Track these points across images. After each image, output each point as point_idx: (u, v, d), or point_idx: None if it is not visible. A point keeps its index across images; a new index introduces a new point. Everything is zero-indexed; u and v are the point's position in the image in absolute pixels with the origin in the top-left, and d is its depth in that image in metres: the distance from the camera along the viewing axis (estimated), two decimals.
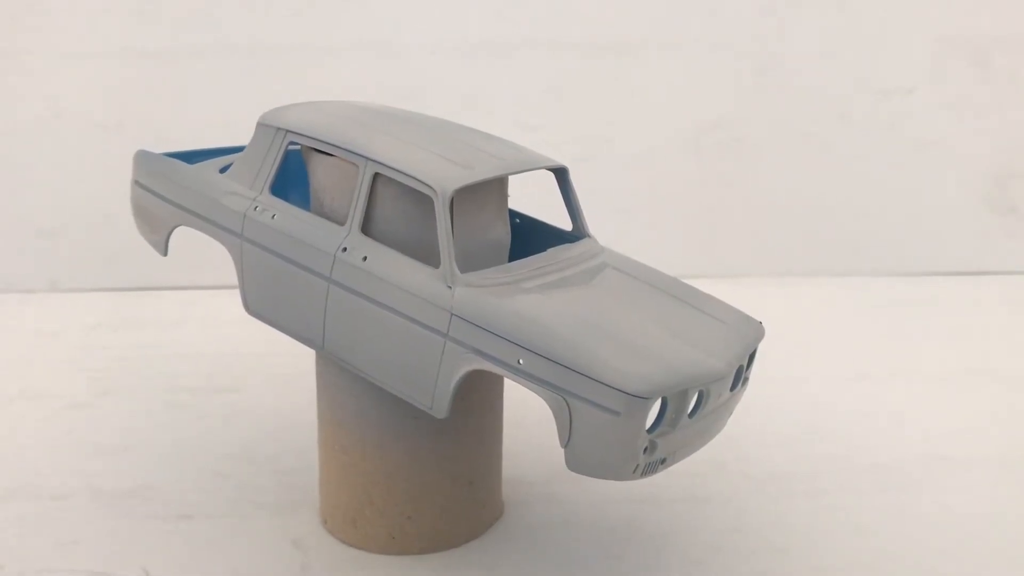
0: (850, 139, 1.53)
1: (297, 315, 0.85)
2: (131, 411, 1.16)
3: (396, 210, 0.82)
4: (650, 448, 0.73)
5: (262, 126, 0.88)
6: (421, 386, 0.79)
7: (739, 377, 0.80)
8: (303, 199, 0.93)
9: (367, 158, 0.81)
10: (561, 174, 0.87)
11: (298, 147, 0.90)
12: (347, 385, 0.88)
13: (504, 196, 0.87)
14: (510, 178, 0.87)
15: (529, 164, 0.85)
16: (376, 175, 0.81)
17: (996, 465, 1.06)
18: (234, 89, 1.47)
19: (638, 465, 0.73)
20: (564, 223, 0.89)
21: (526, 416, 1.02)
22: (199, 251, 1.52)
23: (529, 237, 0.91)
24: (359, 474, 0.89)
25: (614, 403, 0.71)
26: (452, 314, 0.76)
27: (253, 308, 0.89)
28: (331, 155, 0.85)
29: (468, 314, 0.76)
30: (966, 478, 1.04)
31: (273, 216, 0.86)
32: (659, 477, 0.97)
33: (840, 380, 1.23)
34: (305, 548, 0.92)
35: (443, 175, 0.79)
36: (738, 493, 1.01)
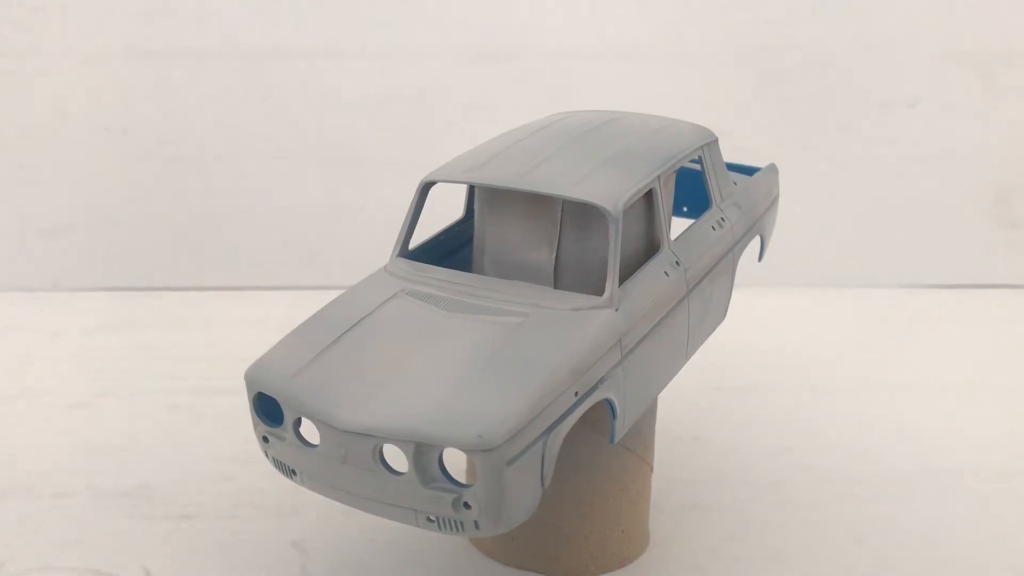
0: (852, 151, 1.53)
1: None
2: (132, 411, 1.16)
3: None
4: (267, 439, 0.76)
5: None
6: None
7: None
8: None
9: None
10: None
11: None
12: None
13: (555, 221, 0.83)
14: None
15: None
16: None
17: (995, 477, 1.06)
18: (240, 93, 1.47)
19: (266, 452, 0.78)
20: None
21: None
22: (201, 252, 1.53)
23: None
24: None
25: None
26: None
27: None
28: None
29: None
30: (965, 489, 1.04)
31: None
32: (658, 484, 0.97)
33: (840, 391, 1.23)
34: (305, 550, 0.92)
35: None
36: (738, 501, 1.01)
